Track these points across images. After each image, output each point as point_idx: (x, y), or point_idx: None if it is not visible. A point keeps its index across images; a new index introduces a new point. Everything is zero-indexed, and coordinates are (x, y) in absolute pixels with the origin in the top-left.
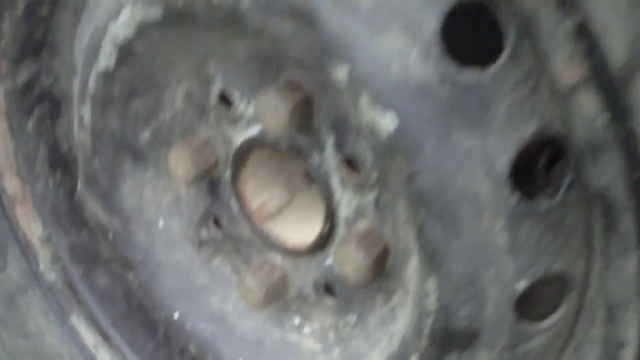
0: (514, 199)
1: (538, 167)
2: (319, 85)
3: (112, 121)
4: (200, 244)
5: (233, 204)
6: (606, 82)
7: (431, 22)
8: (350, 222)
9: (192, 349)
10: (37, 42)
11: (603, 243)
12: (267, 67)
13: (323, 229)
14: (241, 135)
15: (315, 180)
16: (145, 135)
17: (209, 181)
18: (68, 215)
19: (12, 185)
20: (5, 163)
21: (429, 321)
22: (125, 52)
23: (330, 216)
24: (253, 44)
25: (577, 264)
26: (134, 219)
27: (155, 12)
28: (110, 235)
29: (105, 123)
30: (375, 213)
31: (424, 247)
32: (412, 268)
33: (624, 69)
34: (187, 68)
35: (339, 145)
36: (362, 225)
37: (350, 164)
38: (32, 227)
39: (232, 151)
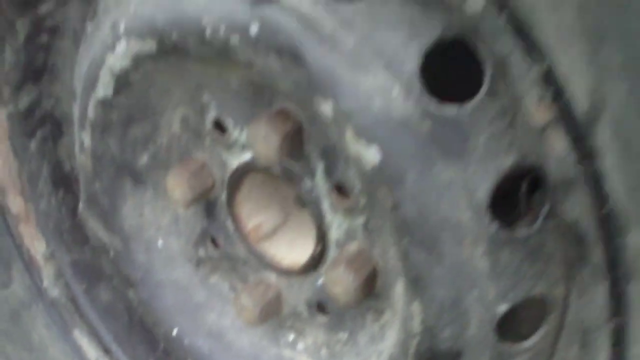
0: (493, 226)
1: (520, 193)
2: (308, 116)
3: (112, 145)
4: (198, 263)
5: (229, 224)
6: (573, 125)
7: (412, 60)
8: (340, 244)
9: None
10: (38, 68)
11: (577, 271)
12: (259, 97)
13: (315, 250)
14: (236, 160)
15: (307, 204)
16: (143, 158)
17: (205, 203)
18: (70, 233)
19: (16, 204)
20: (9, 182)
21: (414, 342)
22: (123, 82)
23: (322, 238)
24: (245, 76)
25: (556, 288)
26: (134, 238)
27: (150, 46)
28: (111, 254)
29: (105, 147)
30: (364, 236)
31: (408, 272)
32: (399, 290)
33: (587, 115)
34: (182, 96)
35: (329, 172)
36: (352, 247)
37: (340, 189)
38: (36, 245)
39: (227, 174)
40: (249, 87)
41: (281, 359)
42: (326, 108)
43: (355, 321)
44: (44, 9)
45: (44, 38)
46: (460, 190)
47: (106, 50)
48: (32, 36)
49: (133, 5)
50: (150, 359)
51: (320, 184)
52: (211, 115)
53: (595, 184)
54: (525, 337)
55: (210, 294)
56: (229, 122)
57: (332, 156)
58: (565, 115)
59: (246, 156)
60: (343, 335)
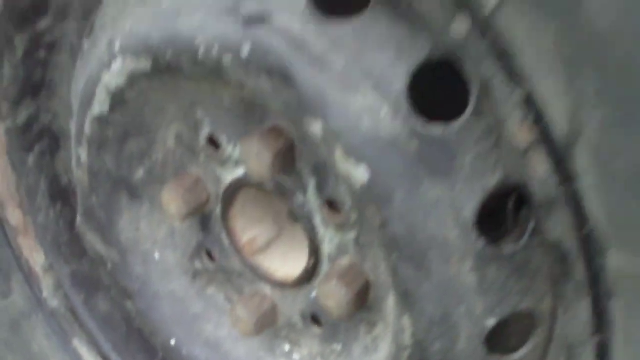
0: (480, 243)
1: (507, 209)
2: (299, 134)
3: (108, 161)
4: (195, 275)
5: (224, 238)
6: (553, 147)
7: (399, 81)
8: (333, 258)
9: None
10: (36, 83)
11: (562, 287)
12: (252, 114)
13: (308, 263)
14: (230, 175)
15: (299, 219)
16: (139, 173)
17: (201, 216)
18: (69, 245)
19: (15, 217)
20: (7, 196)
21: (406, 355)
22: (118, 99)
23: (315, 252)
24: (237, 94)
25: (543, 302)
26: (131, 251)
27: (145, 64)
28: (109, 266)
29: (101, 163)
30: (356, 250)
31: (397, 287)
32: (390, 304)
33: (566, 139)
34: (177, 113)
35: (320, 188)
36: (345, 261)
37: (331, 205)
38: (35, 256)
39: (221, 189)
40: (242, 105)
41: None
42: (316, 128)
43: (349, 333)
44: (42, 25)
45: (42, 54)
46: (448, 208)
47: (102, 68)
48: (31, 52)
49: (129, 23)
50: None
51: (312, 199)
52: (205, 132)
53: (576, 205)
54: (514, 349)
55: (206, 305)
56: (222, 139)
57: (323, 173)
58: (546, 138)
59: (240, 172)
60: (337, 347)
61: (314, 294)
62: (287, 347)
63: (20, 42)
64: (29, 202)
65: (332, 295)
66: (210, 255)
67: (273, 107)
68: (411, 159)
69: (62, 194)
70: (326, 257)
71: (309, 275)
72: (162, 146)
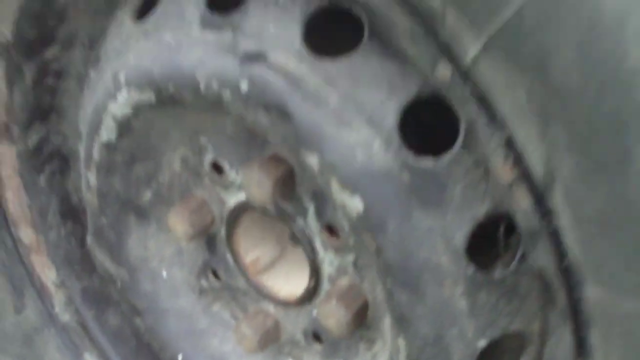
0: (470, 269)
1: (498, 234)
2: (298, 163)
3: (116, 184)
4: (201, 292)
5: (229, 258)
6: (533, 186)
7: (391, 117)
8: (333, 279)
9: None
10: (45, 108)
11: (548, 312)
12: (253, 142)
13: (309, 284)
14: (233, 198)
15: (300, 241)
16: (147, 195)
17: (206, 237)
18: (79, 262)
19: (27, 235)
20: (20, 215)
21: None
22: (125, 127)
23: (315, 273)
24: (239, 124)
25: (532, 324)
26: (139, 269)
27: (149, 96)
28: (118, 284)
29: (110, 186)
30: (354, 272)
31: (392, 309)
32: (387, 323)
33: (543, 180)
34: (182, 139)
35: (319, 214)
36: (344, 282)
37: (330, 229)
38: (47, 273)
39: (225, 212)
40: (243, 133)
41: None
42: (312, 160)
43: (349, 350)
44: (49, 53)
45: (50, 80)
46: (439, 236)
47: (108, 98)
48: (39, 79)
49: (132, 57)
50: None
51: (311, 223)
52: (209, 157)
53: (556, 239)
54: None
55: (212, 321)
56: (225, 164)
57: (321, 200)
58: (526, 176)
59: (242, 196)
60: None
61: (315, 312)
62: None
63: (29, 70)
64: (40, 221)
65: (332, 315)
66: (215, 274)
67: (271, 139)
68: (403, 190)
69: (72, 213)
70: (326, 277)
71: (310, 294)
72: (168, 169)
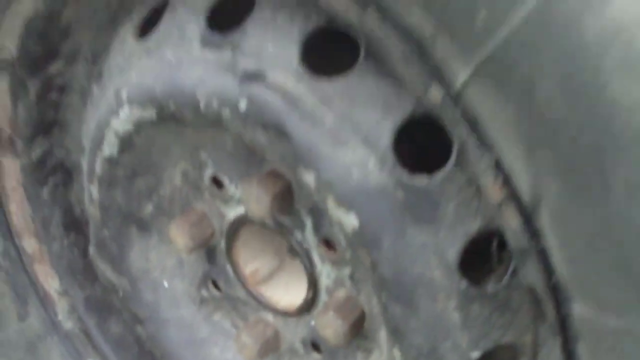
0: (463, 283)
1: (491, 248)
2: (295, 180)
3: (118, 197)
4: (202, 302)
5: (229, 269)
6: (522, 206)
7: (386, 136)
8: (330, 291)
9: None
10: (49, 122)
11: (539, 326)
12: (252, 158)
13: (307, 295)
14: (232, 212)
15: (299, 254)
16: (148, 208)
17: (207, 249)
18: (82, 271)
19: (31, 245)
20: (24, 226)
21: None
22: (127, 143)
23: (313, 284)
24: (238, 140)
25: (524, 336)
26: (141, 279)
27: (150, 113)
28: (120, 294)
29: (112, 199)
30: (351, 284)
31: (387, 322)
32: (383, 334)
33: (530, 201)
34: (182, 154)
35: (316, 228)
36: (341, 293)
37: (327, 243)
38: (50, 282)
39: (225, 225)
40: (242, 149)
41: None
42: (309, 178)
43: (347, 359)
44: (53, 69)
45: (54, 95)
46: (432, 252)
47: (111, 114)
48: (43, 94)
49: (134, 74)
50: None
51: (309, 237)
52: (209, 172)
53: (544, 257)
54: None
55: (213, 330)
56: (225, 179)
57: (318, 215)
58: (515, 197)
59: (242, 209)
60: None
61: (313, 323)
62: None
63: (33, 85)
64: (43, 232)
65: (329, 326)
66: (216, 285)
67: (269, 157)
68: (398, 208)
69: (75, 224)
70: (324, 289)
71: (309, 305)
72: (169, 183)
